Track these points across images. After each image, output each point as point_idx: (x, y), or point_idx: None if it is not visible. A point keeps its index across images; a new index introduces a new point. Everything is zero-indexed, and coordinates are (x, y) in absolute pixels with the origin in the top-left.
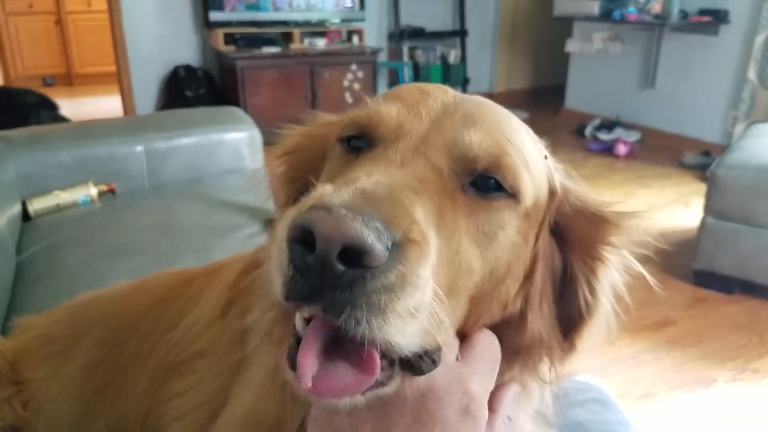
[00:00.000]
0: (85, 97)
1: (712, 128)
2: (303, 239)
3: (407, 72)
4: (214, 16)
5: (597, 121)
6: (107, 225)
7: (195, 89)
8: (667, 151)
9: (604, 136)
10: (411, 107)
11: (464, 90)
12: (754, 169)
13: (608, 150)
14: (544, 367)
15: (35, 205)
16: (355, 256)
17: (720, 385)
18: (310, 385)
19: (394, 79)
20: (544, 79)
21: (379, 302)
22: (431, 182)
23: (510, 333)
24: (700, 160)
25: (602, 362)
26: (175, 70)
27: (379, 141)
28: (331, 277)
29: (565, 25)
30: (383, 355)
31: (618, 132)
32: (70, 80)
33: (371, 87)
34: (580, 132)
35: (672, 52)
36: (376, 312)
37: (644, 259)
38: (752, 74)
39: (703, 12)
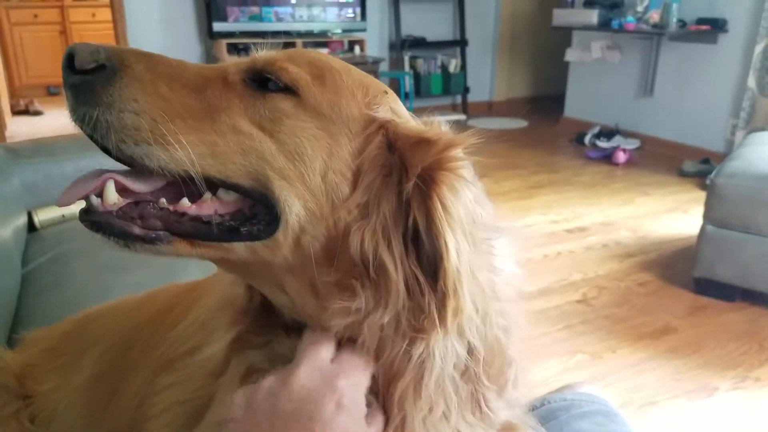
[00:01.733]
0: None
1: (712, 136)
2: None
3: (408, 81)
4: (218, 26)
5: (596, 129)
6: None
7: None
8: (666, 159)
9: (603, 144)
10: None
11: (464, 100)
12: (753, 178)
13: (607, 158)
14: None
15: (41, 216)
16: (72, 63)
17: (721, 393)
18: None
19: (396, 89)
20: (543, 88)
21: (100, 115)
22: (208, 69)
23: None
24: (699, 168)
25: (604, 371)
26: None
27: None
28: (64, 82)
29: (564, 35)
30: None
31: (617, 140)
32: None
33: None
34: (579, 140)
35: (670, 61)
36: (103, 124)
37: (643, 266)
38: (752, 82)
39: (701, 21)
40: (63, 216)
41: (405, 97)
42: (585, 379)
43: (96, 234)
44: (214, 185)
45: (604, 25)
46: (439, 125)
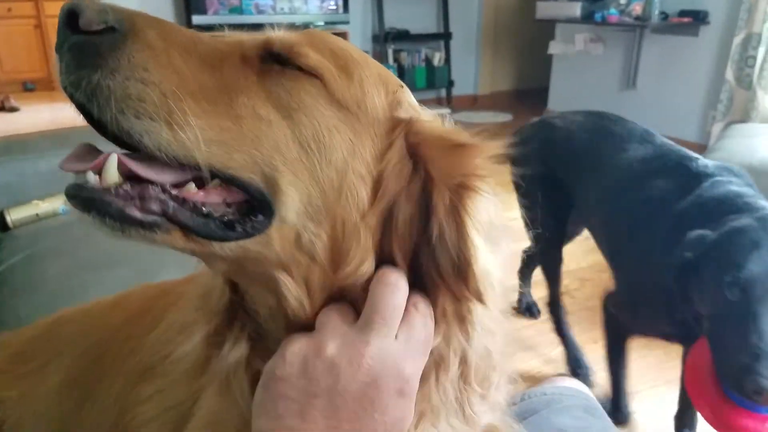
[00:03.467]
0: (67, 102)
1: (691, 128)
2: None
3: None
4: (197, 19)
5: None
6: (89, 235)
7: None
8: None
9: None
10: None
11: (449, 93)
12: None
13: None
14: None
15: (14, 215)
16: (75, 22)
17: None
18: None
19: None
20: (527, 82)
21: (102, 79)
22: (223, 42)
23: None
24: None
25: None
26: None
27: None
28: (61, 43)
29: (547, 28)
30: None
31: None
32: (51, 85)
33: None
34: None
35: (653, 53)
36: (103, 90)
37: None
38: (730, 74)
39: (683, 13)
40: (37, 215)
41: None
42: (567, 370)
43: (87, 214)
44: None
45: (587, 18)
46: (451, 122)
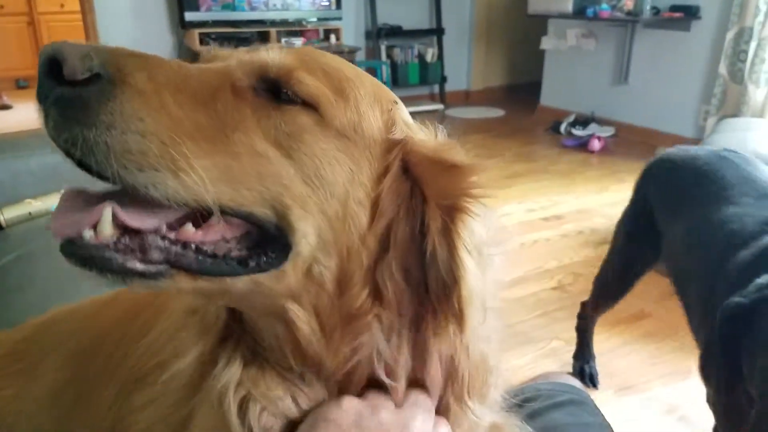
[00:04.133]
0: None
1: (685, 123)
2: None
3: (385, 71)
4: (190, 16)
5: (572, 118)
6: None
7: None
8: (640, 146)
9: (578, 132)
10: (253, 48)
11: (442, 89)
12: None
13: (583, 146)
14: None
15: (6, 214)
16: (57, 69)
17: (695, 375)
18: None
19: None
20: (520, 77)
21: (98, 137)
22: (213, 73)
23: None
24: None
25: None
26: None
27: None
28: (44, 94)
29: (539, 23)
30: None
31: (592, 128)
32: None
33: None
34: (555, 129)
35: (644, 48)
36: (101, 148)
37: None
38: (723, 69)
39: (674, 8)
40: (30, 214)
41: None
42: (561, 365)
43: (87, 271)
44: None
45: (579, 13)
46: (442, 133)
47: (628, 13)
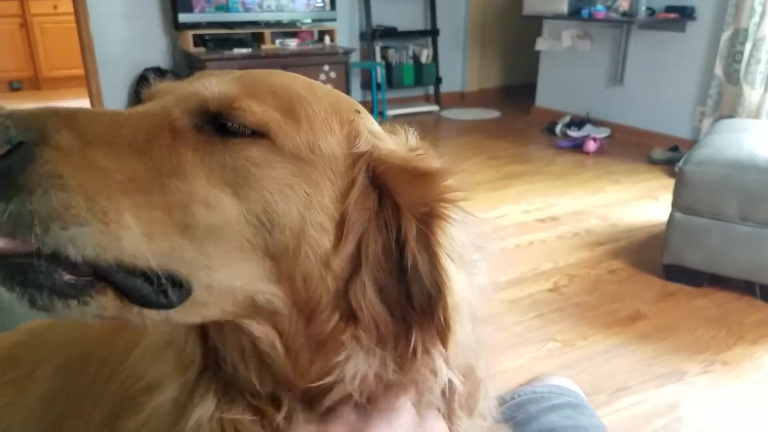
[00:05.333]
0: (54, 101)
1: (680, 124)
2: None
3: (380, 72)
4: (183, 17)
5: (567, 119)
6: None
7: None
8: (635, 147)
9: (574, 133)
10: (197, 78)
11: (437, 90)
12: (721, 165)
13: (578, 147)
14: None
15: None
16: None
17: (691, 377)
18: None
19: (367, 79)
20: (515, 78)
21: (20, 206)
22: (149, 116)
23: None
24: (668, 155)
25: (575, 358)
26: (144, 72)
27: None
28: None
29: (534, 24)
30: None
31: (587, 129)
32: (37, 84)
33: (344, 88)
34: (550, 130)
35: (640, 49)
36: (26, 217)
37: (614, 254)
38: (719, 70)
39: (669, 9)
40: None
41: (377, 88)
42: (557, 366)
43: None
44: None
45: (574, 14)
46: (413, 137)
47: (624, 14)
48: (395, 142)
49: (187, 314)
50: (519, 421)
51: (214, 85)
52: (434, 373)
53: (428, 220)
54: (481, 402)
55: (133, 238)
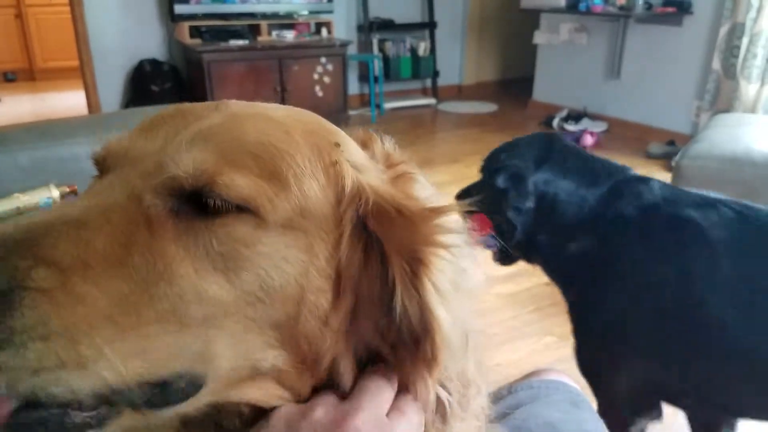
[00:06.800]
0: (49, 92)
1: (677, 118)
2: None
3: (377, 64)
4: (180, 8)
5: (564, 113)
6: None
7: (161, 84)
8: (632, 142)
9: (571, 127)
10: (151, 130)
11: (434, 83)
12: (717, 160)
13: (575, 141)
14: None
15: None
16: None
17: None
18: None
19: (365, 72)
20: (512, 71)
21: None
22: (118, 211)
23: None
24: (665, 149)
25: (572, 353)
26: (140, 64)
27: (106, 172)
28: None
29: (532, 17)
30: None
31: (585, 123)
32: (32, 75)
33: (341, 80)
34: (548, 123)
35: (637, 43)
36: (8, 374)
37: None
38: (716, 64)
39: (667, 3)
40: (18, 208)
41: (374, 81)
42: (554, 360)
43: None
44: None
45: (571, 8)
46: (389, 143)
47: (621, 7)
48: (375, 168)
49: (196, 403)
50: (516, 416)
51: (183, 155)
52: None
53: (416, 265)
54: (473, 402)
55: (119, 365)
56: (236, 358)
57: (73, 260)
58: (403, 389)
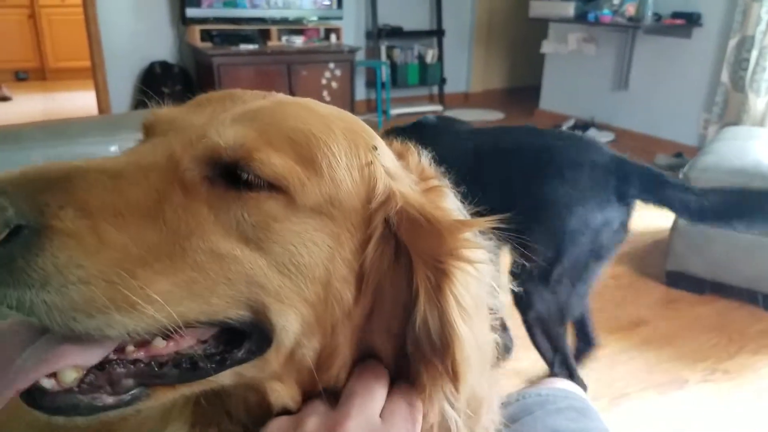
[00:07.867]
0: (60, 92)
1: (685, 130)
2: None
3: (385, 71)
4: (191, 12)
5: (571, 122)
6: None
7: (171, 86)
8: (639, 153)
9: None
10: (199, 107)
11: (441, 90)
12: (725, 172)
13: None
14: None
15: None
16: None
17: (691, 385)
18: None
19: (372, 78)
20: (519, 80)
21: (34, 297)
22: (156, 169)
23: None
24: (672, 161)
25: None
26: (151, 66)
27: (151, 137)
28: None
29: (540, 27)
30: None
31: (592, 133)
32: (43, 75)
33: (349, 85)
34: None
35: (645, 54)
36: (41, 307)
37: (617, 260)
38: (725, 77)
39: (676, 15)
40: None
41: (382, 87)
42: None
43: (57, 417)
44: None
45: (580, 18)
46: (425, 159)
47: (630, 18)
48: (408, 177)
49: (253, 371)
50: (523, 423)
51: (227, 129)
52: (439, 411)
53: (440, 276)
54: (484, 418)
55: (163, 308)
56: (291, 320)
57: (104, 206)
58: (402, 387)
